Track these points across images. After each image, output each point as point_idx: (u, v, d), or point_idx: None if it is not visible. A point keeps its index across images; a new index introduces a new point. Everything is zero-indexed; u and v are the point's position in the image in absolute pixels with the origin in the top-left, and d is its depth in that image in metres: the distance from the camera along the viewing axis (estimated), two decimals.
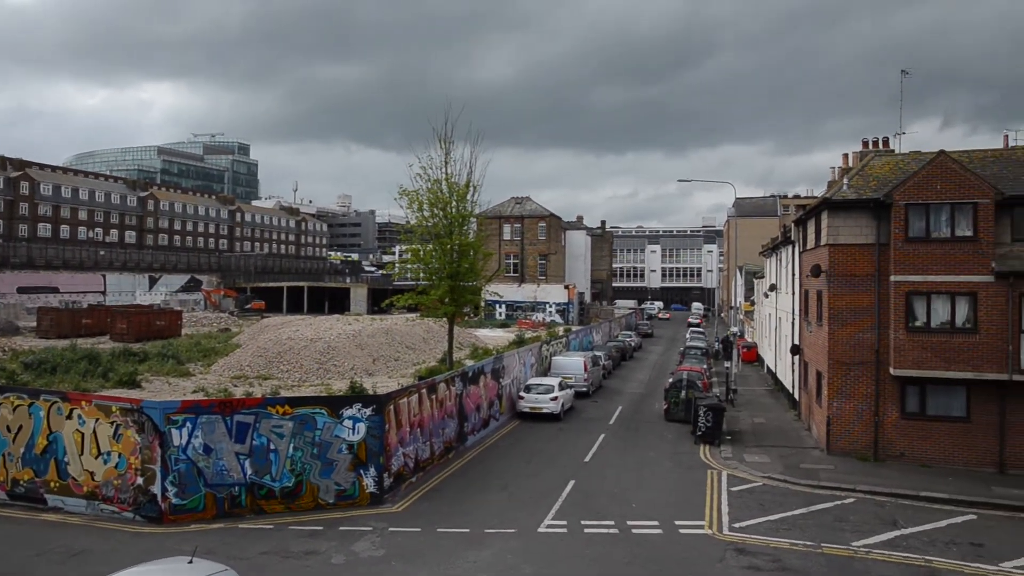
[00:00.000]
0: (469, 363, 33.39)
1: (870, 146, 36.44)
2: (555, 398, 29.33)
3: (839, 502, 19.29)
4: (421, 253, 29.51)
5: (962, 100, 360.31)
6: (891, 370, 22.55)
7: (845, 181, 25.33)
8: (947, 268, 21.98)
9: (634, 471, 22.15)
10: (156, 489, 16.83)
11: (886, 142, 36.28)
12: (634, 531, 16.82)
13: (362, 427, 18.30)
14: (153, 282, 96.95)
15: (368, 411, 18.40)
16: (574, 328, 60.13)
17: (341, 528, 16.69)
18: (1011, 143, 39.20)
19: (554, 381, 30.72)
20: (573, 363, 35.31)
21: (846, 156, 39.77)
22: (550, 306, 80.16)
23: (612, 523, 17.29)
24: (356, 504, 18.14)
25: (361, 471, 18.29)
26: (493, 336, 60.11)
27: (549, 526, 17.11)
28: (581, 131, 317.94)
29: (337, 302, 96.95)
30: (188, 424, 17.00)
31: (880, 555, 15.69)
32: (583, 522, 17.32)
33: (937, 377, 22.23)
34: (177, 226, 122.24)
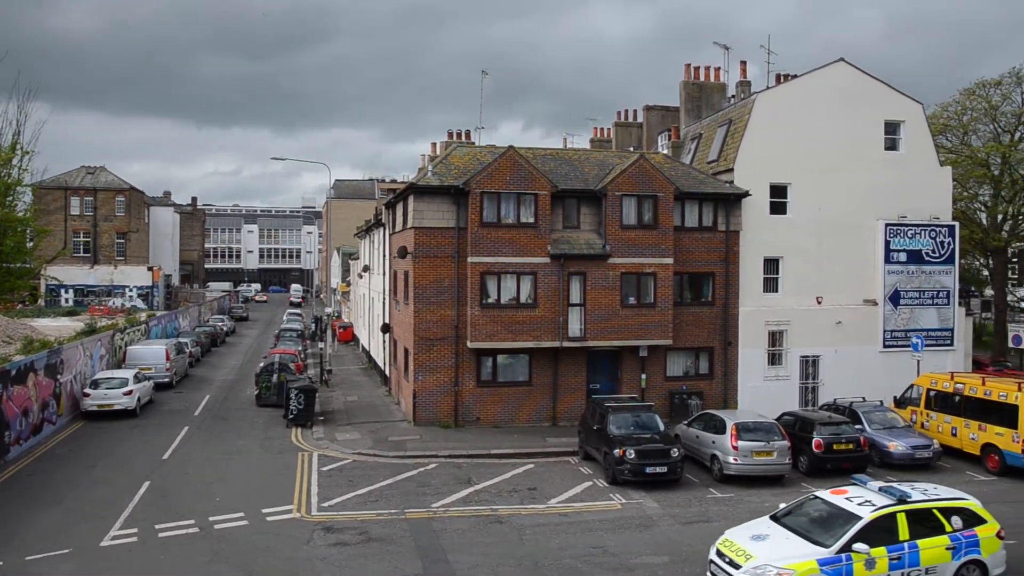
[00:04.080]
0: (18, 359, 28.09)
1: (455, 137, 39.52)
2: (130, 392, 26.24)
3: (423, 469, 20.53)
4: None
5: (541, 106, 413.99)
6: (468, 344, 24.70)
7: (430, 168, 26.87)
8: (514, 251, 24.73)
9: (220, 462, 20.86)
10: None
11: (468, 134, 39.64)
12: (217, 526, 15.77)
13: None
14: None
15: None
16: (158, 314, 54.78)
17: None
18: (568, 144, 46.15)
19: (129, 373, 27.49)
20: (153, 352, 32.05)
21: (434, 145, 42.55)
22: (131, 290, 71.76)
23: (193, 522, 15.98)
24: None
25: None
26: (56, 326, 51.58)
27: (115, 537, 15.12)
28: (181, 101, 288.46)
29: None
30: None
31: (456, 512, 17.06)
32: (158, 526, 15.69)
33: (506, 348, 25.00)
34: None
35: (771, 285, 27.95)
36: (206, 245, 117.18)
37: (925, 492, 13.16)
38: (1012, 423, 20.38)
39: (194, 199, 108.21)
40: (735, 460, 19.32)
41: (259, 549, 14.67)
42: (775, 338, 27.81)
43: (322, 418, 26.38)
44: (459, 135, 39.62)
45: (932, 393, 23.43)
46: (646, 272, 25.51)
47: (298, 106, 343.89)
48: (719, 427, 20.21)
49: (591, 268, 25.16)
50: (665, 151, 33.95)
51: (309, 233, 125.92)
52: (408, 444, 22.90)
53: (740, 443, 19.34)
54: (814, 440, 20.16)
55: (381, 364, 35.13)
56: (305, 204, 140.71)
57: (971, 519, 12.66)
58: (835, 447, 20.15)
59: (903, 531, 12.16)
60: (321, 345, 36.48)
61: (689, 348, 27.02)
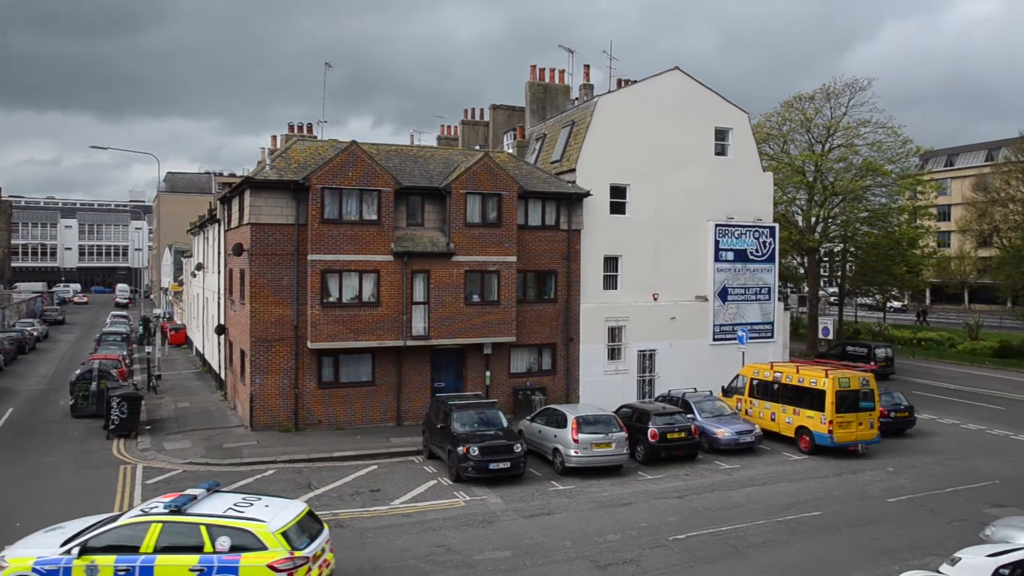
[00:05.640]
0: None
1: (296, 131, 38.07)
2: None
3: (260, 475, 19.55)
4: None
5: (392, 103, 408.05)
6: (309, 344, 23.79)
7: (268, 162, 25.67)
8: (357, 248, 24.08)
9: (24, 482, 18.80)
10: None
11: (310, 128, 38.32)
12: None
13: None
14: None
15: None
16: None
17: None
18: (416, 142, 45.70)
19: None
20: None
21: (274, 138, 40.86)
22: None
23: None
24: None
25: None
26: None
27: None
28: None
29: None
30: None
31: None
32: None
33: (348, 348, 24.31)
34: None
35: (611, 282, 28.98)
36: (14, 241, 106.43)
37: (226, 508, 11.88)
38: (820, 407, 22.28)
39: None
40: (576, 453, 19.79)
41: None
42: (614, 333, 28.85)
43: (149, 427, 24.50)
44: (301, 128, 38.20)
45: (755, 382, 25.17)
46: (490, 270, 25.65)
47: (129, 92, 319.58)
48: (561, 421, 20.64)
49: (435, 266, 24.97)
50: (510, 150, 34.35)
51: (138, 229, 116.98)
52: (244, 450, 21.72)
53: (580, 436, 19.84)
54: (650, 430, 21.06)
55: (216, 367, 33.19)
56: (134, 198, 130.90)
57: (246, 544, 11.29)
58: (669, 436, 21.16)
59: (148, 543, 11.30)
60: (149, 349, 33.95)
61: (532, 345, 27.47)
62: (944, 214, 75.65)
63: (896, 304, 71.32)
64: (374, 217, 24.27)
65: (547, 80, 35.43)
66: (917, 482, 19.96)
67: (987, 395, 33.74)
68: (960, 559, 11.67)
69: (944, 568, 11.76)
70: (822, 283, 53.17)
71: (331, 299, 23.83)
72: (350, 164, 24.00)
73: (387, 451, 21.98)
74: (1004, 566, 10.87)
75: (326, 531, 12.53)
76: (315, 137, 34.86)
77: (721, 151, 30.99)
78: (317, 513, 16.58)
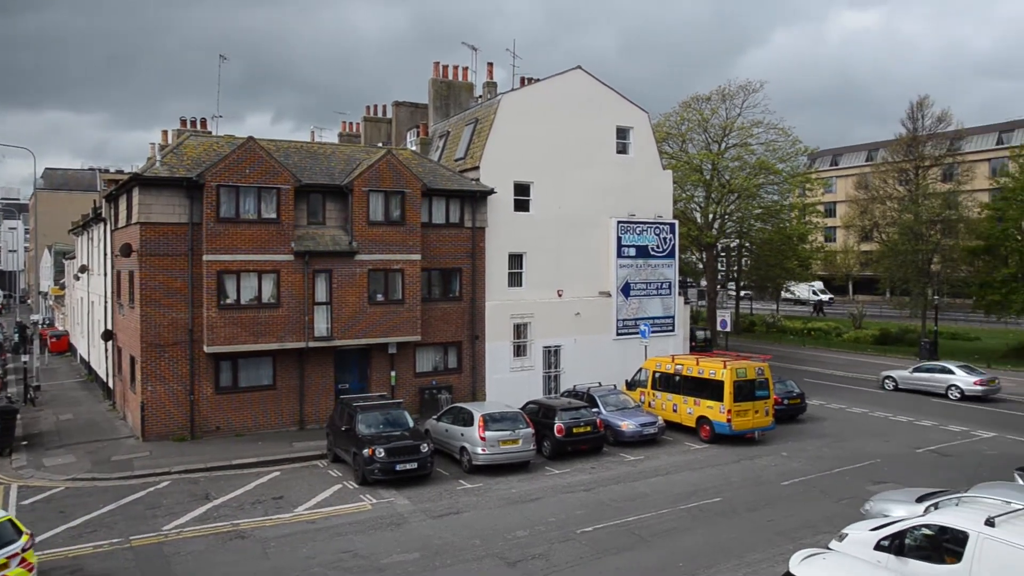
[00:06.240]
0: None
1: (189, 126, 36.50)
2: None
3: (153, 488, 18.58)
4: None
5: (292, 99, 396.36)
6: (205, 348, 22.79)
7: (159, 158, 24.46)
8: (255, 248, 23.24)
9: None
10: None
11: (204, 123, 36.87)
12: None
13: None
14: None
15: None
16: None
17: None
18: (317, 139, 44.52)
19: None
20: None
21: (165, 133, 39.00)
22: None
23: None
24: None
25: None
26: None
27: None
28: None
29: None
30: None
31: (191, 532, 15.59)
32: None
33: (248, 351, 23.43)
34: None
35: (516, 279, 29.09)
36: None
37: None
38: (719, 397, 23.07)
39: None
40: (483, 451, 19.75)
41: None
42: (520, 330, 28.99)
43: (25, 443, 22.86)
44: (194, 123, 36.70)
45: (657, 375, 25.81)
46: (394, 269, 25.28)
47: (0, 81, 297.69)
48: (467, 419, 20.54)
49: (337, 265, 24.40)
50: (414, 148, 34.01)
51: (12, 229, 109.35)
52: (135, 462, 20.58)
53: (487, 434, 19.80)
54: (556, 425, 21.26)
55: (104, 376, 31.36)
56: (7, 195, 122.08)
57: None
58: (575, 430, 21.41)
59: None
60: (26, 358, 31.74)
61: (438, 343, 27.25)
62: (830, 211, 79.78)
63: (825, 298, 74.08)
64: (273, 215, 23.49)
65: (451, 77, 35.26)
66: (808, 465, 20.97)
67: (870, 380, 35.84)
68: (847, 534, 12.30)
69: (833, 544, 12.35)
70: (720, 277, 55.16)
71: (228, 301, 22.90)
72: (247, 161, 23.14)
73: (290, 456, 21.33)
74: (884, 538, 11.57)
75: (19, 543, 11.94)
76: (209, 133, 33.53)
77: (623, 149, 31.61)
78: (217, 525, 15.97)
